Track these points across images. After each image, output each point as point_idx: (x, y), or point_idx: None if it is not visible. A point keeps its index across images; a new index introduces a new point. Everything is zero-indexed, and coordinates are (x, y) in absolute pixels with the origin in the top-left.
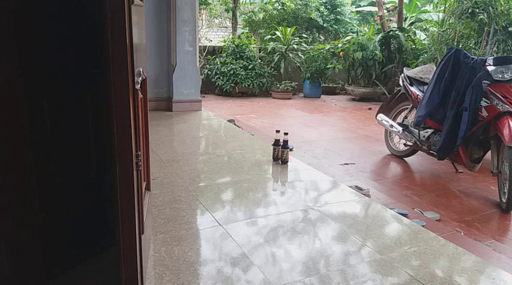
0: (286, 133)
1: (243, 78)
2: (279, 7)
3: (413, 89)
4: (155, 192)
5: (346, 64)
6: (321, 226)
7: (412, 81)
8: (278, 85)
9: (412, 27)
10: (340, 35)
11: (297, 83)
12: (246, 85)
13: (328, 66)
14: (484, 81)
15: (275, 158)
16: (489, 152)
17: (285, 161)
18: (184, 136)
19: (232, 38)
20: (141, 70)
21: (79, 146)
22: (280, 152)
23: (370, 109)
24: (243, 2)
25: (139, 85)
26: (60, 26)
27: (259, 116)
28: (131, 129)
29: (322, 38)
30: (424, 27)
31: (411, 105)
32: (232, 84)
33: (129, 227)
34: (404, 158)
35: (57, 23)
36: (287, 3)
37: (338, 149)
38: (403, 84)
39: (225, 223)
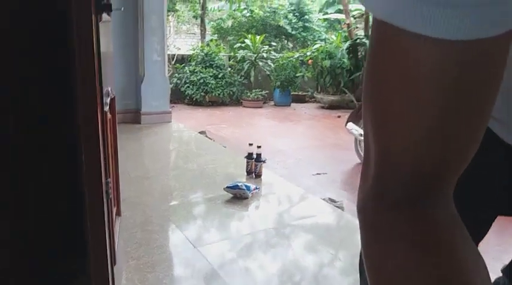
0: (259, 146)
1: (213, 87)
2: (248, 14)
3: None
4: (125, 214)
5: (315, 72)
6: (295, 241)
7: None
8: (248, 94)
9: None
10: (308, 42)
11: (267, 91)
12: (216, 94)
13: (297, 75)
14: None
15: (248, 172)
16: None
17: (258, 175)
18: (154, 150)
19: (201, 46)
20: (109, 89)
21: (45, 173)
22: (254, 166)
23: (339, 117)
24: (211, 9)
25: (108, 107)
26: (24, 48)
27: (231, 126)
28: (100, 155)
29: (291, 45)
30: None
31: None
32: (202, 93)
33: (101, 260)
34: None
35: (20, 44)
36: (255, 11)
37: (309, 158)
38: None
39: (200, 244)
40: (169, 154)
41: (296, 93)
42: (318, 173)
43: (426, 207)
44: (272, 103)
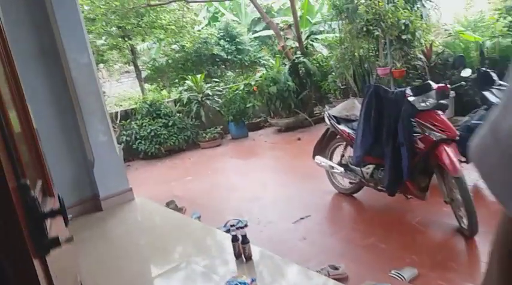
0: (242, 227)
1: (166, 136)
2: (178, 48)
3: (343, 127)
4: None
5: (263, 99)
6: None
7: (339, 119)
8: (204, 134)
9: (308, 40)
10: (246, 63)
11: (221, 126)
12: (171, 143)
13: (247, 105)
14: (410, 114)
15: (237, 256)
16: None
17: (249, 257)
18: (125, 247)
19: (144, 98)
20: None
21: None
22: (241, 248)
23: (299, 139)
24: (140, 49)
25: None
26: None
27: (196, 178)
28: None
29: (230, 71)
30: (321, 42)
31: (345, 142)
32: (157, 146)
33: None
34: (353, 195)
35: None
36: (187, 45)
37: (286, 199)
38: (331, 123)
39: None
40: (144, 249)
41: (250, 121)
42: (301, 218)
43: None
44: (229, 137)
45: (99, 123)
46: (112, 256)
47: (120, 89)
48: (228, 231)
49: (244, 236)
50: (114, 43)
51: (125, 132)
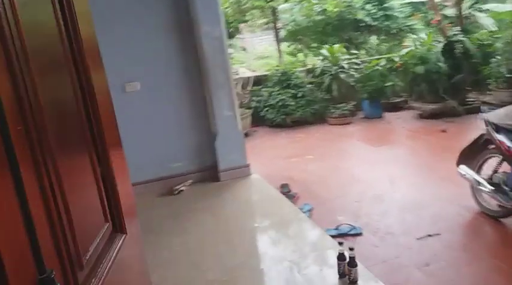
0: (351, 249)
1: (293, 108)
2: (319, 10)
3: (501, 138)
4: None
5: (407, 79)
6: None
7: (498, 126)
8: (333, 110)
9: (471, 10)
10: (392, 31)
11: (354, 103)
12: (298, 115)
13: (387, 84)
14: None
15: (341, 275)
16: None
17: (354, 281)
18: (232, 229)
19: (277, 66)
20: None
21: None
22: (347, 270)
23: (443, 131)
24: (281, 8)
25: None
26: None
27: (317, 158)
28: None
29: (374, 37)
30: (488, 14)
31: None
32: (283, 116)
33: None
34: (499, 220)
35: None
36: (328, 9)
37: (415, 206)
38: (488, 131)
39: None
40: (250, 239)
41: (387, 101)
42: (429, 235)
43: None
44: (361, 115)
45: (224, 96)
46: (219, 236)
47: (260, 46)
48: (335, 236)
49: (352, 259)
50: (257, 4)
51: (255, 98)
